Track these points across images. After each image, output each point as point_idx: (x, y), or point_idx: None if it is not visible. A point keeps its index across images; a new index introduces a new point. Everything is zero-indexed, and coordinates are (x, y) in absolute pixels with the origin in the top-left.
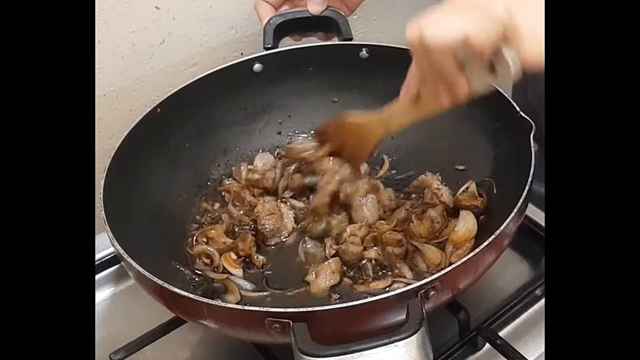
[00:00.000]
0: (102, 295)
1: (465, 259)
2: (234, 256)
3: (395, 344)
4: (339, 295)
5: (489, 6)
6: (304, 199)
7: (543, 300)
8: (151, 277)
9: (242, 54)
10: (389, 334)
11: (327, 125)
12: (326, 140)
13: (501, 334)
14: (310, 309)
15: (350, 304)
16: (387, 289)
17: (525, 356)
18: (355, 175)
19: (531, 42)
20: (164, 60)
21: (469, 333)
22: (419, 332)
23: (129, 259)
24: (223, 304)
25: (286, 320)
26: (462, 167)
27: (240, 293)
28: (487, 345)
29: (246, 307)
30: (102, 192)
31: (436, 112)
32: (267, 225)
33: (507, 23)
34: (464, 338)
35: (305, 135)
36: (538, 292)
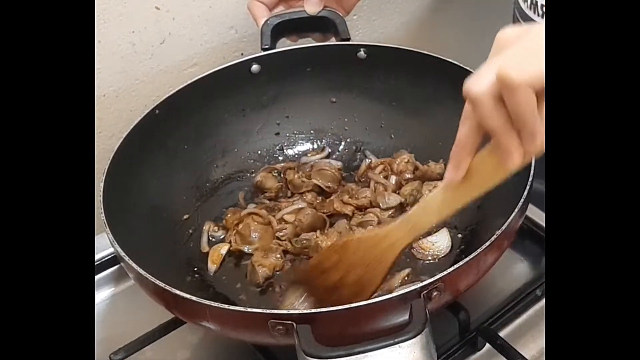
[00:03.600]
0: (102, 295)
1: (467, 259)
2: (223, 251)
3: (400, 344)
4: None
5: None
6: None
7: (543, 300)
8: (152, 279)
9: (242, 54)
10: (393, 335)
11: (319, 258)
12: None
13: (501, 334)
14: (314, 310)
15: (353, 305)
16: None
17: (525, 356)
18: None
19: None
20: (164, 60)
21: (469, 333)
22: (422, 332)
23: (130, 261)
24: (225, 306)
25: (290, 322)
26: None
27: None
28: (487, 345)
29: (249, 309)
30: (101, 193)
31: (494, 183)
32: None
33: None
34: (464, 338)
35: (304, 136)
36: (538, 292)
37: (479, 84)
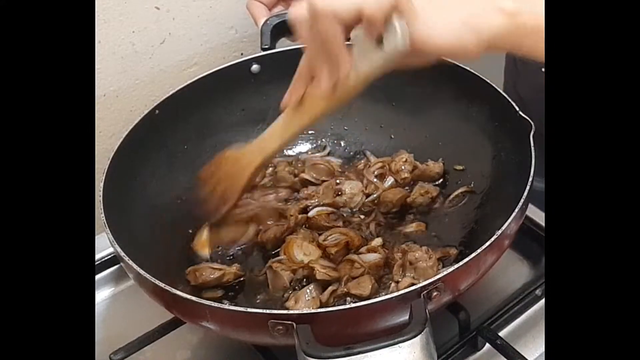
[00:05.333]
0: (102, 295)
1: (467, 259)
2: (204, 235)
3: (400, 344)
4: None
5: None
6: None
7: (543, 300)
8: (152, 279)
9: (242, 54)
10: (393, 335)
11: (207, 168)
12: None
13: (501, 334)
14: (313, 310)
15: (353, 305)
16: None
17: (525, 356)
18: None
19: (422, 20)
20: (164, 60)
21: (469, 333)
22: (422, 332)
23: (129, 261)
24: (225, 306)
25: (289, 322)
26: (461, 167)
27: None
28: (487, 345)
29: (249, 310)
30: (101, 193)
31: (318, 111)
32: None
33: None
34: (464, 338)
35: (304, 136)
36: (538, 292)
37: (296, 10)
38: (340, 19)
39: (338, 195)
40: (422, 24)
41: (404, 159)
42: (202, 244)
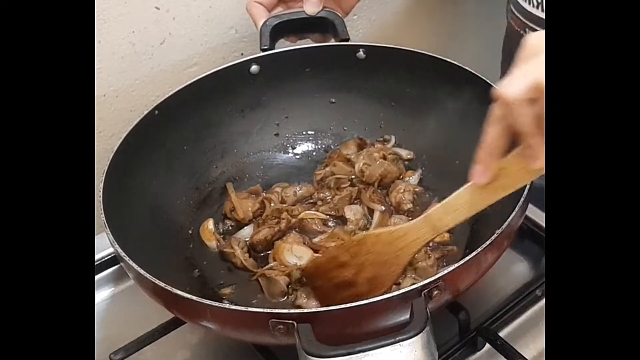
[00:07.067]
0: (102, 295)
1: (467, 258)
2: (210, 226)
3: (401, 343)
4: None
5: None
6: None
7: (543, 300)
8: (152, 278)
9: (242, 54)
10: (394, 334)
11: (335, 252)
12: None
13: (501, 334)
14: (315, 309)
15: (354, 304)
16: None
17: (525, 356)
18: None
19: None
20: (164, 60)
21: (469, 333)
22: (423, 331)
23: (130, 261)
24: (226, 306)
25: (290, 322)
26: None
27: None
28: (487, 345)
29: (250, 309)
30: (101, 193)
31: (518, 185)
32: None
33: None
34: (464, 338)
35: (303, 137)
36: (538, 292)
37: (514, 88)
38: (524, 98)
39: None
40: None
41: (401, 190)
42: (209, 235)
